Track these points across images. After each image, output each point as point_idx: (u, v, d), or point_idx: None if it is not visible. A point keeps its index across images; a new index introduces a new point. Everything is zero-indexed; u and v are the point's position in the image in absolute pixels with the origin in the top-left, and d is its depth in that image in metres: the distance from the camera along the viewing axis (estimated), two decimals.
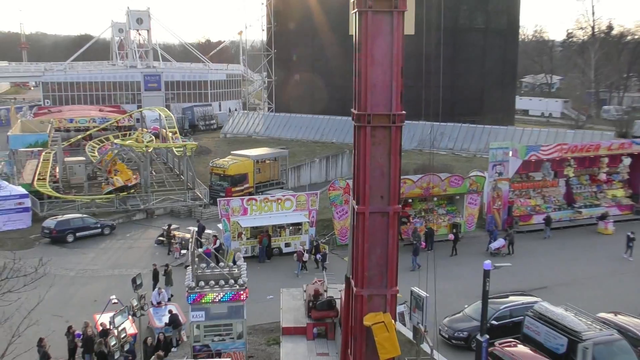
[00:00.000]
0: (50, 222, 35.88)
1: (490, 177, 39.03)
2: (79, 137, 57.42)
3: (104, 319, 20.95)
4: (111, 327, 15.33)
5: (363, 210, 12.80)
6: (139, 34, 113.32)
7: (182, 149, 44.45)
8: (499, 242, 34.81)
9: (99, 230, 37.29)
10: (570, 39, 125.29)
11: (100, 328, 20.76)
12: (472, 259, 32.67)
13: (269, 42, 75.69)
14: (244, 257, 32.72)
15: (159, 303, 24.68)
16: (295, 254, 31.99)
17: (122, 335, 15.59)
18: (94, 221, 37.56)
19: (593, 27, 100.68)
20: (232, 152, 47.46)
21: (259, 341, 23.77)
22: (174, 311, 23.27)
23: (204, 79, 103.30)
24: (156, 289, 26.02)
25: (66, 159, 49.40)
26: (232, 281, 19.97)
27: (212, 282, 19.87)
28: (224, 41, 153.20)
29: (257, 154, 46.80)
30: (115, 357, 18.22)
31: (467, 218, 38.77)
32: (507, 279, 28.49)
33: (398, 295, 13.67)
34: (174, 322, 22.26)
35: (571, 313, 20.74)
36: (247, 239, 33.77)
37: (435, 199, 37.48)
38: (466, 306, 24.82)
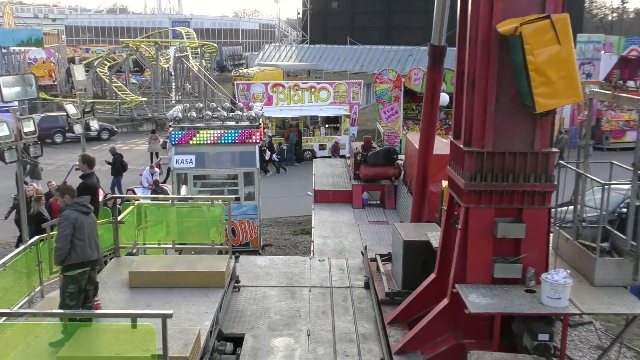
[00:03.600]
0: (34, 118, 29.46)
1: None
2: (92, 59, 51.13)
3: None
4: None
5: None
6: None
7: (198, 50, 37.51)
8: None
9: (95, 133, 30.74)
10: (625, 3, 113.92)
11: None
12: None
13: None
14: (268, 161, 25.87)
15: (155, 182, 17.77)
16: (330, 147, 24.87)
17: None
18: None
19: None
20: (259, 62, 40.32)
21: (282, 231, 16.83)
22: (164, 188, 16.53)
23: (236, 27, 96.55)
24: (147, 168, 19.39)
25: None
26: (238, 114, 12.96)
27: (209, 115, 12.88)
28: (259, 12, 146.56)
29: (288, 64, 39.64)
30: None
31: None
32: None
33: None
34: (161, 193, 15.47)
35: None
36: (272, 135, 26.69)
37: None
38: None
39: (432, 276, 7.38)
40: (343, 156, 25.41)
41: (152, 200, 10.97)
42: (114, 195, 9.20)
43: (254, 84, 26.76)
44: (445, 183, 9.92)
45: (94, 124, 12.07)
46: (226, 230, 9.02)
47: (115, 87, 40.85)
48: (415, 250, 8.18)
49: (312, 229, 11.92)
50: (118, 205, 9.10)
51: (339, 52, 61.47)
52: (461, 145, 6.52)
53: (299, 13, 74.03)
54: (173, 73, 37.18)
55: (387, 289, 8.16)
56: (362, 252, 10.17)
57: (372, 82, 50.95)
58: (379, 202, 13.68)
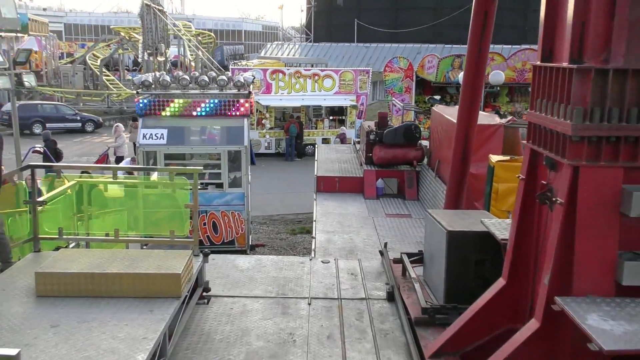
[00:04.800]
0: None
1: None
2: (85, 53, 48.72)
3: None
4: None
5: None
6: None
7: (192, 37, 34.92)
8: None
9: (79, 124, 28.34)
10: None
11: None
12: None
13: None
14: (265, 153, 23.52)
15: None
16: (337, 138, 22.30)
17: None
18: (72, 112, 28.62)
19: None
20: (259, 56, 37.84)
21: (279, 230, 14.21)
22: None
23: (238, 28, 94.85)
24: (128, 159, 16.90)
25: (62, 65, 40.88)
26: (223, 79, 10.38)
27: (186, 79, 10.31)
28: (264, 16, 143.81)
29: (289, 57, 37.18)
30: None
31: None
32: None
33: None
34: None
35: None
36: (271, 128, 24.17)
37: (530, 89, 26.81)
38: None
39: (500, 283, 4.74)
40: None
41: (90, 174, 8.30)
42: (31, 165, 6.58)
43: (250, 70, 24.19)
44: (495, 157, 7.31)
45: (29, 79, 9.45)
46: (191, 216, 6.37)
47: (107, 79, 38.55)
48: (466, 245, 5.57)
49: (314, 223, 9.28)
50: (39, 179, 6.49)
51: (344, 50, 58.93)
52: (564, 64, 3.88)
53: (302, 10, 71.79)
54: (140, 21, 31.98)
55: (424, 303, 5.52)
56: (380, 251, 7.55)
57: (378, 80, 48.59)
58: (396, 192, 11.05)
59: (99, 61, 42.07)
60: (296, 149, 23.83)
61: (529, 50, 25.69)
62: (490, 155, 7.46)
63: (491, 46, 25.13)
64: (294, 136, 23.55)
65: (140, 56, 32.49)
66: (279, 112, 24.79)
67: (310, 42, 64.23)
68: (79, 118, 28.45)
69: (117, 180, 7.07)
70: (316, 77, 24.28)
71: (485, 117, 9.22)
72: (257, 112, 23.69)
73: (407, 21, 59.75)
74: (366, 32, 61.35)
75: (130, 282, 5.17)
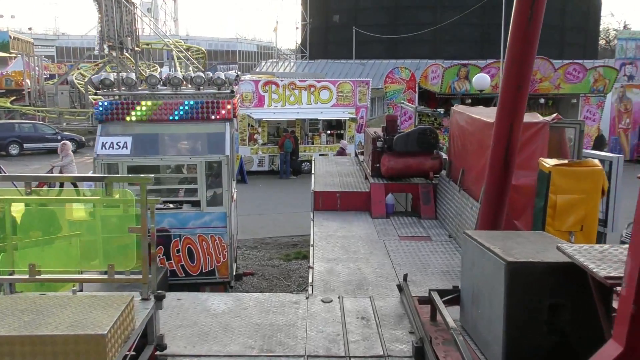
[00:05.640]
0: None
1: (616, 82, 26.86)
2: (69, 71, 47.16)
3: None
4: None
5: None
6: (165, 3, 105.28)
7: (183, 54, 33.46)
8: None
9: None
10: None
11: None
12: None
13: None
14: (257, 171, 21.86)
15: None
16: (336, 153, 20.56)
17: None
18: (52, 131, 26.86)
19: None
20: (253, 72, 36.38)
21: (270, 256, 12.36)
22: None
23: (233, 48, 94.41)
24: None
25: (46, 84, 39.32)
26: (200, 76, 8.66)
27: (155, 79, 8.60)
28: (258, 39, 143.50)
29: (284, 72, 35.68)
30: None
31: None
32: None
33: None
34: None
35: None
36: (264, 143, 22.44)
37: (542, 100, 25.33)
38: None
39: (613, 349, 2.93)
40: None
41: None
42: None
43: (241, 82, 22.50)
44: (549, 161, 5.54)
45: None
46: (141, 241, 4.55)
47: (94, 99, 36.95)
48: (535, 282, 3.76)
49: (311, 248, 7.44)
50: None
51: (341, 67, 57.59)
52: None
53: (297, 27, 70.78)
54: (96, 3, 26.89)
55: None
56: (399, 286, 5.74)
57: (377, 97, 46.94)
58: (409, 210, 9.27)
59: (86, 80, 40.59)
60: (291, 166, 22.09)
61: (540, 59, 24.12)
62: (542, 159, 5.68)
63: (496, 60, 23.46)
64: (288, 152, 21.81)
65: (97, 48, 28.64)
66: (273, 127, 23.12)
67: (306, 59, 62.96)
68: (59, 137, 26.58)
69: (41, 197, 5.26)
70: (312, 89, 22.63)
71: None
72: (249, 127, 22.04)
73: (406, 37, 58.63)
74: (363, 48, 60.16)
75: (27, 350, 3.34)
